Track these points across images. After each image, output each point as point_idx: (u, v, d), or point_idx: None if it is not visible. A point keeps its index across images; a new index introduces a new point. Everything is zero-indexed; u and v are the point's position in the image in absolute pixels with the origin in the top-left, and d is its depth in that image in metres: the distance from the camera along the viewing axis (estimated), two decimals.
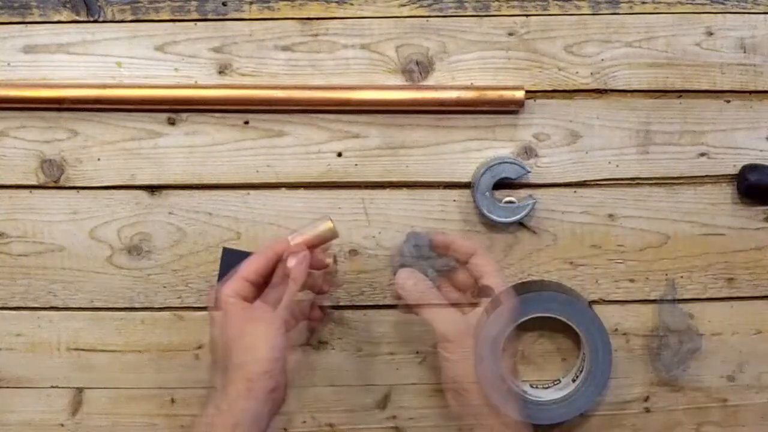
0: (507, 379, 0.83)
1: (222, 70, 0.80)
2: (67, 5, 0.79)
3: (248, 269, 0.73)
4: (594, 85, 0.81)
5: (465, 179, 0.82)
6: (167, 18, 0.80)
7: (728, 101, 0.82)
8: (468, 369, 0.70)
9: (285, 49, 0.80)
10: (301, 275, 0.73)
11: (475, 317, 0.71)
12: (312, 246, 0.75)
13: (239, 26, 0.80)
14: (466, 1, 0.80)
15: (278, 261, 0.73)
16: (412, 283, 0.73)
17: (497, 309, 0.81)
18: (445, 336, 0.70)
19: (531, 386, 0.86)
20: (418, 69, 0.81)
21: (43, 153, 0.81)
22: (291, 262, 0.73)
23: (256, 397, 0.69)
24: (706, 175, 0.83)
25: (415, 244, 0.75)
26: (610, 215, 0.83)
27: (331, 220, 0.75)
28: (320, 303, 0.81)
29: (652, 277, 0.84)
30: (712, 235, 0.84)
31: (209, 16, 0.80)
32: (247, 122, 0.81)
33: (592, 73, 0.81)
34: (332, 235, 0.75)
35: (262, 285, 0.73)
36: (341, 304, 0.84)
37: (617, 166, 0.82)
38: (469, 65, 0.81)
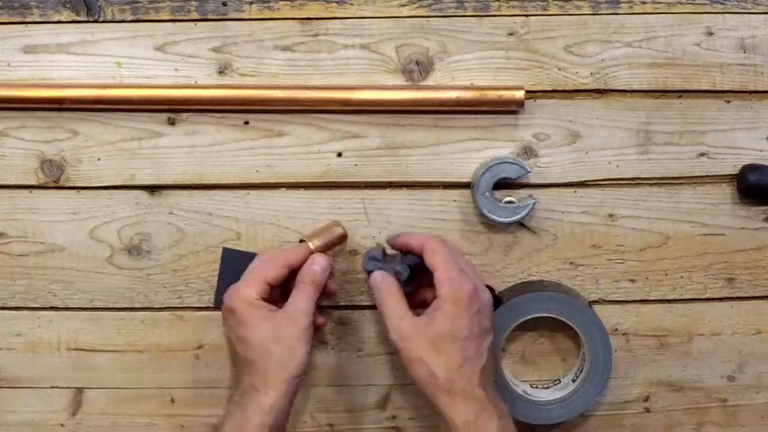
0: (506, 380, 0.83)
1: (222, 70, 0.80)
2: (67, 5, 0.79)
3: (269, 273, 0.75)
4: (594, 85, 0.81)
5: (465, 179, 0.82)
6: (167, 18, 0.80)
7: (728, 101, 0.82)
8: (414, 370, 0.72)
9: (285, 49, 0.80)
10: (324, 281, 0.76)
11: (427, 317, 0.72)
12: (325, 250, 0.79)
13: (239, 26, 0.80)
14: (466, 1, 0.80)
15: (299, 266, 0.76)
16: (379, 280, 0.76)
17: (496, 310, 0.81)
18: (390, 334, 0.73)
19: (531, 386, 0.86)
20: (418, 69, 0.81)
21: (43, 153, 0.81)
22: (317, 268, 0.76)
23: (291, 399, 0.73)
24: (706, 175, 0.83)
25: (372, 257, 0.78)
26: (610, 215, 0.83)
27: (342, 225, 0.80)
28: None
29: (652, 277, 0.84)
30: (712, 235, 0.84)
31: (209, 16, 0.80)
32: (247, 122, 0.81)
33: (592, 73, 0.81)
34: (343, 239, 0.80)
35: (276, 288, 0.76)
36: (341, 304, 0.84)
37: (617, 166, 0.82)
38: (469, 65, 0.81)
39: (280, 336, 0.73)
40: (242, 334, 0.74)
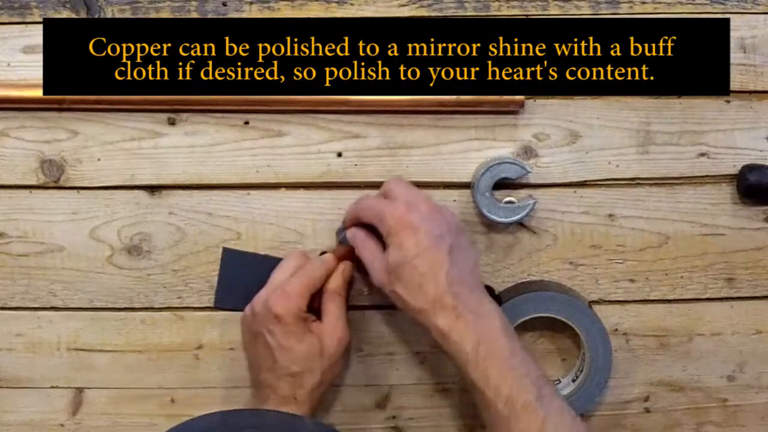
0: None
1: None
2: (67, 5, 0.79)
3: (314, 285, 0.78)
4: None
5: (465, 179, 0.82)
6: (167, 18, 0.79)
7: (728, 101, 0.82)
8: (395, 302, 0.75)
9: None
10: (348, 288, 0.81)
11: (386, 254, 0.74)
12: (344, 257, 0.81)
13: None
14: (466, 1, 0.80)
15: (330, 276, 0.79)
16: (351, 235, 0.79)
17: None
18: (372, 279, 0.76)
19: None
20: None
21: (43, 153, 0.81)
22: (345, 279, 0.80)
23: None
24: (706, 175, 0.83)
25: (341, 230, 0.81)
26: (610, 215, 0.83)
27: None
28: None
29: (652, 277, 0.84)
30: (712, 235, 0.84)
31: (209, 16, 0.80)
32: (247, 122, 0.81)
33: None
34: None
35: None
36: None
37: (617, 166, 0.82)
38: None
39: (323, 350, 0.76)
40: (287, 344, 0.76)
